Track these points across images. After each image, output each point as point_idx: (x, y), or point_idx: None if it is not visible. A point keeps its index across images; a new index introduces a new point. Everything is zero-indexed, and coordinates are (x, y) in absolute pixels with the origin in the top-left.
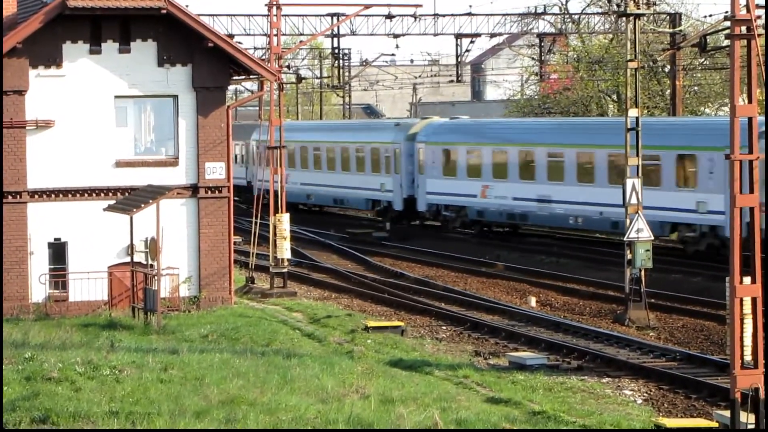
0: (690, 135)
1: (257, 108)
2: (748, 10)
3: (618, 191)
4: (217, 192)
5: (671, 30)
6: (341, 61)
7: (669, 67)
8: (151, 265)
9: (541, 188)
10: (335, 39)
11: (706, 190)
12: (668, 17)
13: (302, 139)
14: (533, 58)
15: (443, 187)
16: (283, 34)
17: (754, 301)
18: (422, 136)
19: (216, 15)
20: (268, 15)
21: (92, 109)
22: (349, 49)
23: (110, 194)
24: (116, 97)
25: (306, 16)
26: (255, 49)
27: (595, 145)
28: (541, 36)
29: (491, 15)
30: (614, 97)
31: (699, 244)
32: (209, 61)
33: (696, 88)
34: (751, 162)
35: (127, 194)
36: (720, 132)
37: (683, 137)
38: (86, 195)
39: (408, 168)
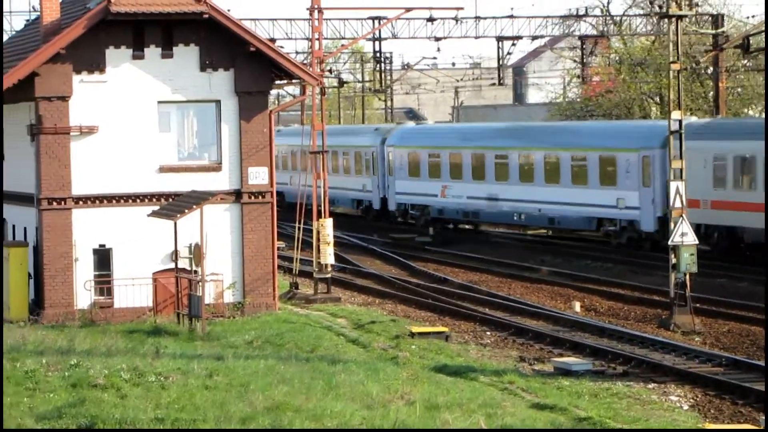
0: (611, 138)
1: (299, 112)
2: None
3: (554, 189)
4: (260, 197)
5: (714, 31)
6: (383, 64)
7: (712, 68)
8: (196, 271)
9: (490, 188)
10: (377, 42)
11: (624, 187)
12: (711, 18)
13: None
14: (575, 61)
15: (409, 188)
16: (325, 38)
17: None
18: (392, 140)
19: (258, 19)
20: (309, 19)
21: (135, 114)
22: (391, 52)
23: (154, 200)
24: (159, 102)
25: (347, 19)
26: (297, 53)
27: (533, 147)
28: (582, 38)
29: (533, 17)
30: (657, 99)
31: (621, 237)
32: (251, 66)
33: (739, 89)
34: None
35: (170, 200)
36: (635, 135)
37: (606, 140)
38: (130, 201)
39: (382, 170)
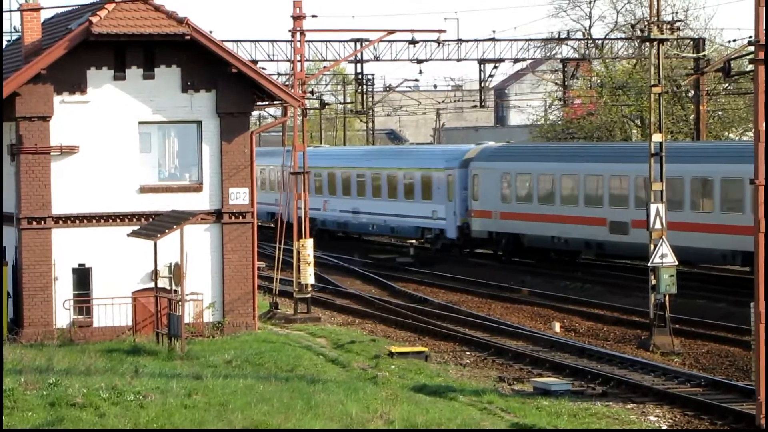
0: (429, 159)
1: (281, 134)
2: None
3: (393, 203)
4: (240, 217)
5: (695, 55)
6: (365, 86)
7: (693, 92)
8: (175, 291)
9: (354, 203)
10: (359, 64)
11: (437, 202)
12: (692, 42)
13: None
14: (557, 83)
15: (311, 203)
16: (307, 60)
17: None
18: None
19: (240, 41)
20: (291, 41)
21: (116, 134)
22: (373, 74)
23: (134, 220)
24: (140, 122)
25: (329, 41)
26: (279, 74)
27: (381, 168)
28: (564, 61)
29: (514, 40)
30: (638, 122)
31: (436, 244)
32: (233, 87)
33: (720, 113)
34: None
35: (151, 220)
36: (444, 157)
37: (426, 161)
38: (110, 221)
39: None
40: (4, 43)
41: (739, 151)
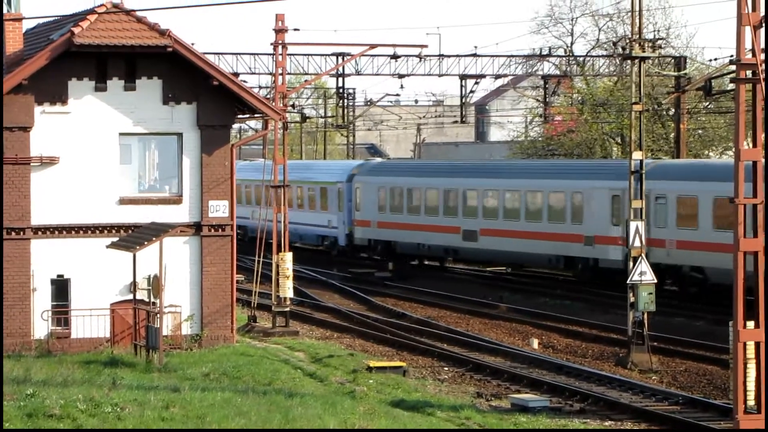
0: (326, 173)
1: (261, 147)
2: (754, 55)
3: (310, 214)
4: (220, 230)
5: (676, 73)
6: (346, 100)
7: (673, 110)
8: (154, 303)
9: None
10: (340, 78)
11: (331, 212)
12: (673, 60)
13: None
14: (538, 100)
15: (239, 212)
16: (288, 73)
17: (757, 345)
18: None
19: (221, 53)
20: (273, 54)
21: (97, 145)
22: (354, 88)
23: (113, 231)
24: (121, 134)
25: (311, 55)
26: (260, 87)
27: (301, 181)
28: (545, 78)
29: (496, 56)
30: (618, 139)
31: (333, 249)
32: (214, 100)
33: (700, 131)
34: (755, 206)
35: (130, 231)
36: (337, 171)
37: (325, 175)
38: (89, 232)
39: None
40: None
41: (563, 168)
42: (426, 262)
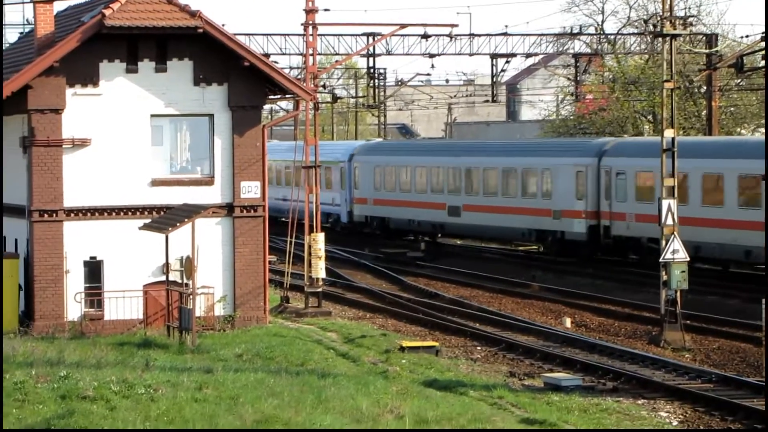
0: (332, 153)
1: (292, 127)
2: None
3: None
4: (252, 211)
5: (708, 51)
6: (376, 80)
7: (705, 87)
8: (186, 284)
9: (283, 191)
10: (371, 59)
11: (335, 190)
12: (704, 38)
13: None
14: (569, 79)
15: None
16: (319, 54)
17: None
18: None
19: (252, 34)
20: (303, 34)
21: (128, 127)
22: (385, 68)
23: (146, 213)
24: (152, 115)
25: (342, 35)
26: (291, 68)
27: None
28: (576, 56)
29: (527, 35)
30: (650, 117)
31: (336, 226)
32: (245, 81)
33: (732, 108)
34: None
35: (162, 213)
36: (341, 151)
37: (329, 155)
38: (122, 214)
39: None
40: (17, 36)
41: (535, 147)
42: (458, 242)
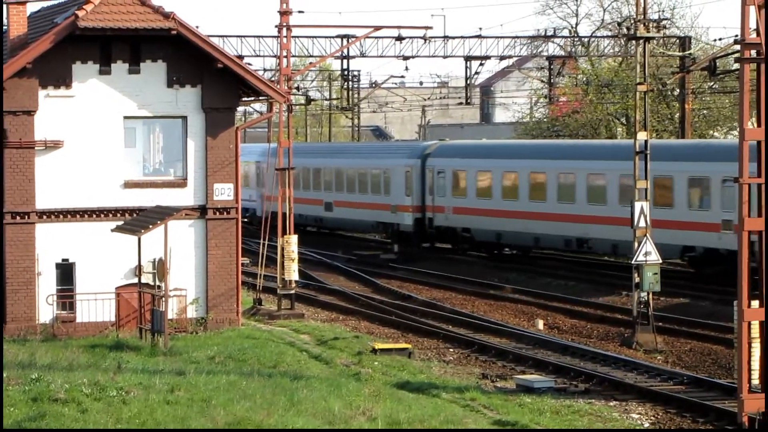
0: (250, 154)
1: (266, 129)
2: (758, 34)
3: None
4: (225, 213)
5: (681, 53)
6: (350, 82)
7: (678, 90)
8: (159, 286)
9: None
10: (345, 61)
11: (250, 187)
12: (678, 41)
13: None
14: (542, 81)
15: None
16: (293, 56)
17: (761, 324)
18: None
19: (226, 36)
20: (278, 36)
21: (101, 129)
22: (359, 70)
23: (118, 215)
24: (125, 117)
25: (316, 37)
26: (264, 70)
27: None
28: (550, 59)
29: (501, 37)
30: (623, 120)
31: (252, 223)
32: (219, 82)
33: (705, 111)
34: (760, 186)
35: (135, 215)
36: (255, 151)
37: (249, 155)
38: (94, 216)
39: None
40: None
41: (379, 149)
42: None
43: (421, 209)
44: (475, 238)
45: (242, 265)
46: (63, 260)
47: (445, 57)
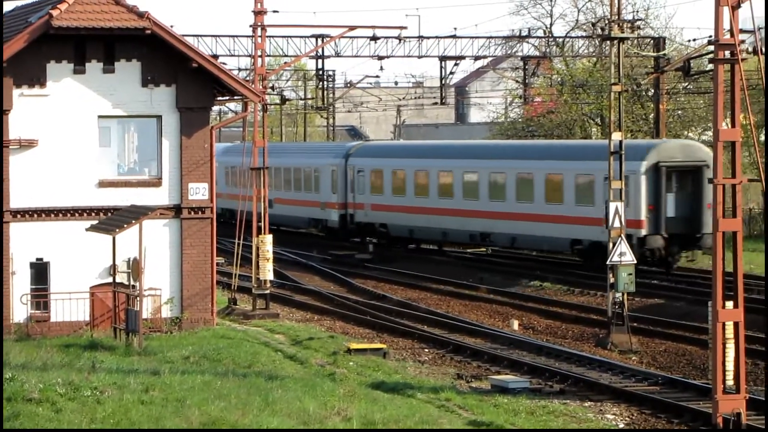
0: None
1: (241, 129)
2: (732, 35)
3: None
4: (200, 213)
5: (655, 54)
6: (325, 82)
7: (653, 90)
8: (133, 286)
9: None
10: (320, 60)
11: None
12: (652, 41)
13: None
14: (517, 81)
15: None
16: (268, 56)
17: (736, 325)
18: None
19: (200, 35)
20: (252, 36)
21: (75, 128)
22: (334, 70)
23: (93, 214)
24: (100, 116)
25: (290, 37)
26: (239, 70)
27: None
28: (525, 59)
29: (476, 38)
30: (598, 120)
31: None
32: (193, 82)
33: (680, 111)
34: (734, 186)
35: (109, 214)
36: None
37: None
38: (69, 215)
39: None
40: None
41: (312, 149)
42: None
43: (345, 206)
44: (391, 233)
45: (217, 264)
46: (37, 259)
47: (419, 57)
